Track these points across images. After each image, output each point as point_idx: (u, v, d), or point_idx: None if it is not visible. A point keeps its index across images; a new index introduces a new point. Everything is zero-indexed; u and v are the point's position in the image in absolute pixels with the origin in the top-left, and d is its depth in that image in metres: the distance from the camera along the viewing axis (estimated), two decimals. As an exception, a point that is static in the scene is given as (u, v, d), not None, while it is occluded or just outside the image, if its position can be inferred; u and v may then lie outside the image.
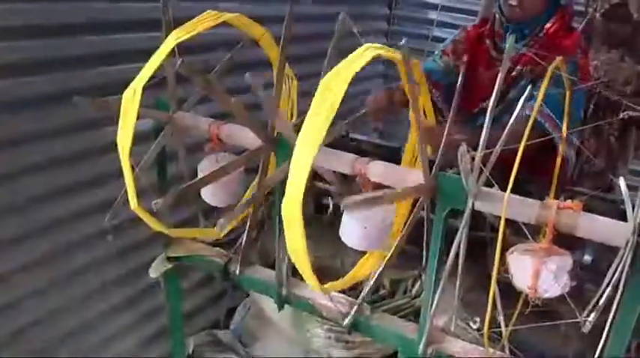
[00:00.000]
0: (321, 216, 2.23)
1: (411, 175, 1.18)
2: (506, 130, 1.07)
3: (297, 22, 1.30)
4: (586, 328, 1.03)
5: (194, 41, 1.27)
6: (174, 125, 1.50)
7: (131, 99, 1.22)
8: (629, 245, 1.00)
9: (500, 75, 1.09)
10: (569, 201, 1.06)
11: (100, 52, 1.80)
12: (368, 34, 3.89)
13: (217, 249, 1.66)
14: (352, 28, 1.23)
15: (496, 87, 1.09)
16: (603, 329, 1.16)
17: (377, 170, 1.21)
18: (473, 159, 0.98)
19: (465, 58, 2.09)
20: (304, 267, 1.06)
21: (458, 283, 1.22)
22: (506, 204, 1.04)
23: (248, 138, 1.35)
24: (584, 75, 1.85)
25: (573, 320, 1.05)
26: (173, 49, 1.28)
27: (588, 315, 1.05)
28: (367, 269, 1.41)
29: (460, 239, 1.14)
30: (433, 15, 3.88)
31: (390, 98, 1.93)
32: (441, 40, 3.80)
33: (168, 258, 1.70)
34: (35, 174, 1.68)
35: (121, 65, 1.81)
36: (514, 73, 1.93)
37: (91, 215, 1.81)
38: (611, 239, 1.04)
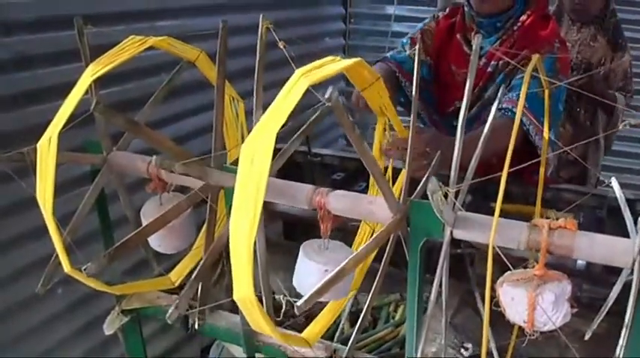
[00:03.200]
0: (292, 242, 2.08)
1: (378, 206, 1.03)
2: (484, 132, 0.93)
3: (245, 33, 1.14)
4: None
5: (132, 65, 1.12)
6: (110, 167, 1.33)
7: (47, 149, 1.05)
8: (637, 266, 0.86)
9: (468, 82, 0.93)
10: (562, 220, 0.91)
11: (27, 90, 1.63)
12: (324, 36, 3.77)
13: (175, 296, 1.49)
14: (275, 36, 1.05)
15: (465, 95, 0.93)
16: (604, 337, 1.03)
17: (338, 202, 1.05)
18: (446, 195, 0.83)
19: (427, 58, 1.96)
20: (259, 321, 0.88)
21: (444, 320, 1.07)
22: (493, 234, 0.89)
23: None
24: (563, 66, 1.72)
25: None
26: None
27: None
28: (332, 314, 1.26)
29: (441, 274, 0.99)
30: (391, 10, 3.75)
31: None
32: (402, 35, 3.69)
33: (123, 311, 1.53)
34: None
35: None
36: (489, 69, 1.79)
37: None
38: (613, 259, 0.90)
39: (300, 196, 1.08)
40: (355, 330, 1.27)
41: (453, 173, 0.90)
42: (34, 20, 1.64)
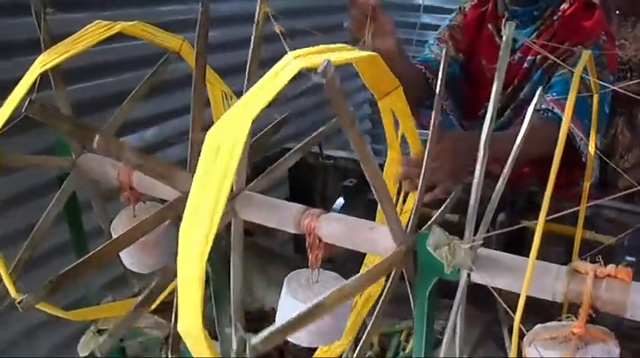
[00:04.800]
0: (301, 255, 1.89)
1: (379, 234, 0.83)
2: (522, 130, 0.73)
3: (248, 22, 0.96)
4: None
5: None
6: (80, 172, 1.16)
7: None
8: None
9: (496, 78, 0.73)
10: (611, 267, 0.71)
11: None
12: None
13: (156, 318, 1.32)
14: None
15: (493, 93, 0.73)
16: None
17: (330, 228, 0.86)
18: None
19: (459, 54, 1.76)
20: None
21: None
22: (528, 281, 0.68)
23: (163, 186, 1.00)
24: (610, 62, 1.50)
25: None
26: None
27: None
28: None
29: (455, 320, 0.80)
30: (420, 0, 3.54)
31: None
32: (430, 27, 3.48)
33: (99, 331, 1.36)
34: None
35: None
36: (526, 65, 1.58)
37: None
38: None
39: (286, 218, 0.90)
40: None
41: (470, 212, 0.69)
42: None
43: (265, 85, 0.63)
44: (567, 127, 0.63)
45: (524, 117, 1.00)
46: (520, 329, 0.77)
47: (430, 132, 0.82)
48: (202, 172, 0.60)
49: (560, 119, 1.35)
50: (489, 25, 1.68)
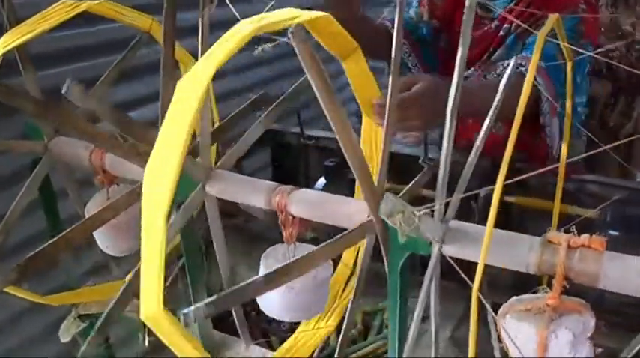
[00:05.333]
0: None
1: (351, 208, 0.82)
2: (502, 83, 0.70)
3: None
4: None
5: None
6: (53, 156, 1.14)
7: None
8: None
9: (461, 45, 0.70)
10: (585, 237, 0.69)
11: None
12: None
13: (137, 302, 1.30)
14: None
15: (458, 59, 0.70)
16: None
17: (302, 204, 0.84)
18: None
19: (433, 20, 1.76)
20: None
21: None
22: (485, 249, 0.67)
23: (136, 167, 0.99)
24: (589, 30, 1.48)
25: None
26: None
27: None
28: (314, 340, 1.05)
29: (425, 297, 0.78)
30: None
31: None
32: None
33: (80, 316, 1.35)
34: None
35: None
36: (502, 33, 1.57)
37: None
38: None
39: (257, 195, 0.88)
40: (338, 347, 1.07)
41: (442, 173, 0.68)
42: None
43: (216, 50, 0.61)
44: (530, 88, 0.61)
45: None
46: (497, 303, 0.77)
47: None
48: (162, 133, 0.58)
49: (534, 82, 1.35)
50: None
